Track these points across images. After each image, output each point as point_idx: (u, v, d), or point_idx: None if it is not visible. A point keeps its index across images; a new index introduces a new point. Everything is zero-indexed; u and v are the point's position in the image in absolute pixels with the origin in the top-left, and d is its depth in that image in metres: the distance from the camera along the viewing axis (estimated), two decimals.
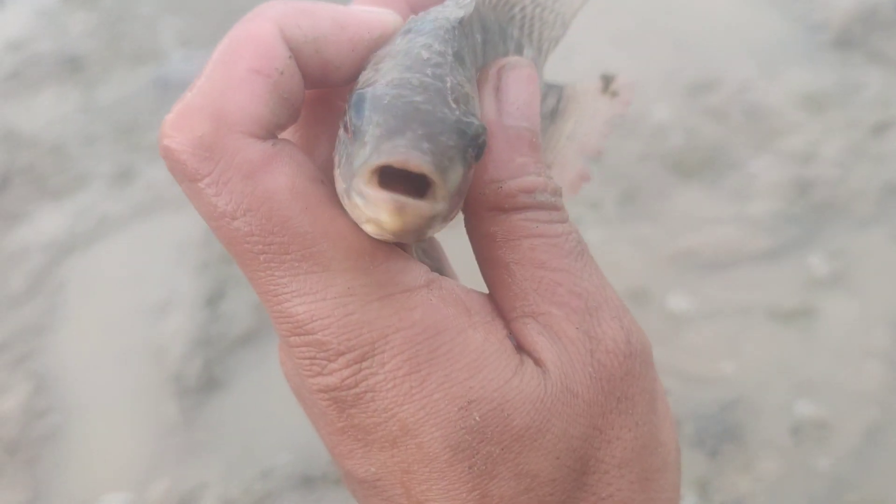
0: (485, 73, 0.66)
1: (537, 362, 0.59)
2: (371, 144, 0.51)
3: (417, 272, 0.58)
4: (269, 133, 0.57)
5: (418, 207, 0.50)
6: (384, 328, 0.55)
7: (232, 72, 0.56)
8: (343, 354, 0.55)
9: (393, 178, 0.50)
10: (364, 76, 0.58)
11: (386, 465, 0.58)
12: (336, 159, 0.57)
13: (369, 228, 0.53)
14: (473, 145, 0.54)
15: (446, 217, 0.54)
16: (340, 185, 0.55)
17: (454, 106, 0.54)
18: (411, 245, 0.64)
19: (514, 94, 0.65)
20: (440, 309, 0.57)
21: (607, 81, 0.82)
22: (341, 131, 0.57)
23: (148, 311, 2.18)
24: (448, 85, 0.56)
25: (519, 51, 0.74)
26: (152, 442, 1.97)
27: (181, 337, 2.11)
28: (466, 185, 0.57)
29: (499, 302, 0.62)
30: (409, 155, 0.49)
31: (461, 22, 0.61)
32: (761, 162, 2.40)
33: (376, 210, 0.50)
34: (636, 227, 2.24)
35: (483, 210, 0.61)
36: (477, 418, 0.55)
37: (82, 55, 2.88)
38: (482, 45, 0.67)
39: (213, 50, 0.58)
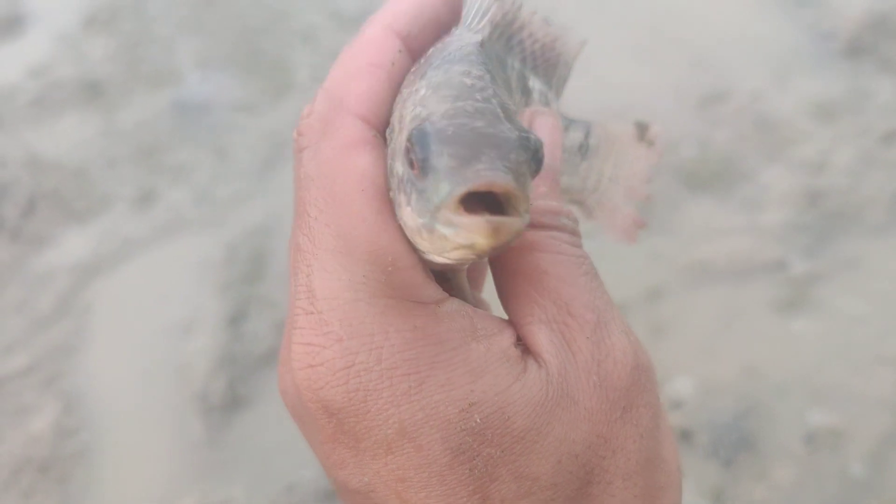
0: (522, 116, 0.72)
1: (541, 366, 0.60)
2: (450, 175, 0.54)
3: (431, 290, 0.61)
4: (382, 121, 0.64)
5: (512, 224, 0.53)
6: (386, 324, 0.58)
7: (354, 65, 0.66)
8: (340, 341, 0.58)
9: (471, 203, 0.53)
10: (409, 112, 0.61)
11: (379, 474, 0.59)
12: (402, 198, 0.59)
13: (455, 255, 0.56)
14: (535, 159, 0.57)
15: (521, 231, 0.57)
16: (415, 221, 0.57)
17: (511, 125, 0.57)
18: (462, 273, 0.69)
19: (543, 137, 0.68)
20: (444, 322, 0.59)
21: (642, 129, 0.85)
22: (402, 169, 0.59)
23: (172, 330, 2.22)
24: (497, 105, 0.59)
25: (522, 81, 0.77)
26: (179, 458, 2.01)
27: (205, 356, 2.15)
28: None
29: (515, 310, 0.64)
30: (494, 176, 0.52)
31: (482, 44, 0.65)
32: (773, 172, 2.41)
33: (470, 235, 0.53)
34: (650, 240, 2.25)
35: None
36: (478, 420, 0.56)
37: (102, 79, 2.93)
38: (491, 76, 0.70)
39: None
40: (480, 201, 0.53)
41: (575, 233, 0.66)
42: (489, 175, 0.52)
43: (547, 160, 0.67)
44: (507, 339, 0.61)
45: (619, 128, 0.85)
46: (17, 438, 2.06)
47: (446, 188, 0.53)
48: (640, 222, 0.87)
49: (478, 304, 0.74)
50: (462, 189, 0.52)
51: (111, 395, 2.14)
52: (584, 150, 0.83)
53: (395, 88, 0.66)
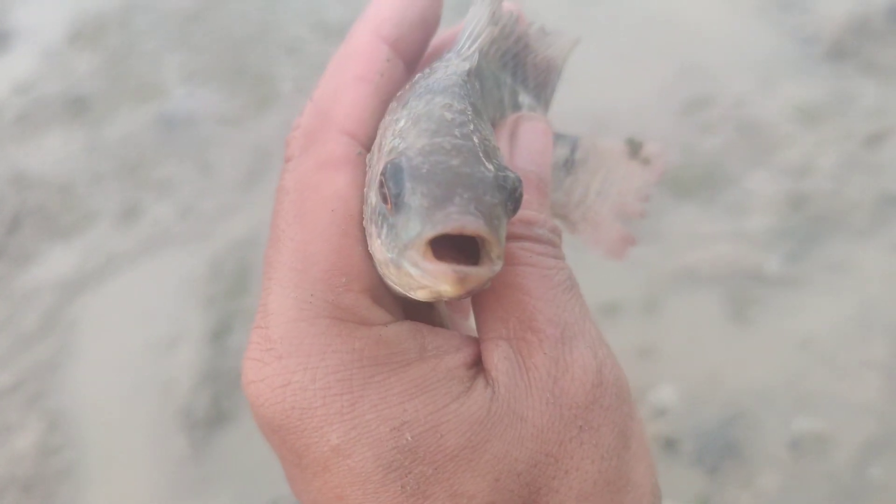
0: (502, 122, 0.71)
1: (489, 384, 0.59)
2: (420, 215, 0.53)
3: (380, 312, 0.61)
4: (369, 136, 0.64)
5: (479, 275, 0.53)
6: (324, 345, 0.58)
7: (341, 78, 0.66)
8: (280, 358, 0.58)
9: (442, 243, 0.53)
10: (388, 143, 0.61)
11: (321, 491, 0.59)
12: (373, 229, 0.59)
13: (421, 294, 0.56)
14: (512, 199, 0.56)
15: (494, 273, 0.56)
16: (384, 255, 0.57)
17: (487, 163, 0.56)
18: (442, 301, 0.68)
19: (527, 141, 0.69)
20: (386, 345, 0.59)
21: (635, 147, 0.84)
22: (376, 200, 0.59)
23: (157, 346, 2.22)
24: (477, 142, 0.58)
25: (514, 97, 0.76)
26: (163, 474, 2.01)
27: (189, 371, 2.14)
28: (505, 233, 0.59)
29: (480, 325, 0.63)
30: (464, 221, 0.52)
31: (468, 74, 0.64)
32: (757, 177, 2.42)
33: (436, 281, 0.53)
34: (634, 247, 2.24)
35: None
36: (409, 438, 0.56)
37: (88, 95, 2.93)
38: (480, 93, 0.69)
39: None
40: (452, 243, 0.53)
41: (550, 243, 0.65)
42: (459, 219, 0.52)
43: (531, 166, 0.67)
44: (458, 358, 0.60)
45: (609, 143, 0.84)
46: (1, 456, 2.06)
47: (416, 229, 0.53)
48: (630, 239, 0.85)
49: (454, 326, 0.72)
50: (430, 232, 0.52)
51: (95, 411, 2.13)
52: (569, 165, 0.82)
53: (385, 100, 0.66)
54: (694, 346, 2.06)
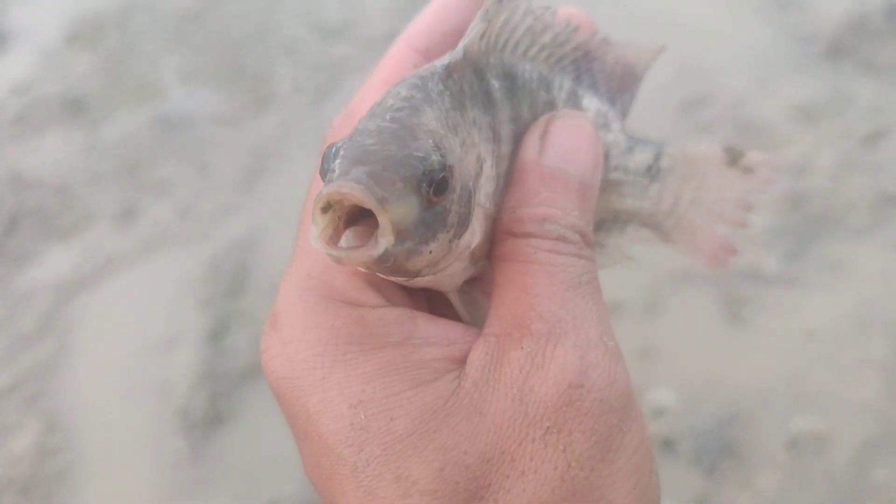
0: (536, 122, 0.71)
1: (458, 378, 0.60)
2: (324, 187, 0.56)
3: (372, 295, 0.64)
4: None
5: (352, 258, 0.55)
6: (308, 321, 0.62)
7: (371, 82, 0.71)
8: (277, 331, 0.64)
9: (362, 216, 0.56)
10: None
11: (308, 457, 0.63)
12: None
13: (357, 270, 0.61)
14: (427, 180, 0.56)
15: (417, 249, 0.57)
16: None
17: (411, 143, 0.57)
18: (453, 294, 0.70)
19: (558, 139, 0.69)
20: (366, 326, 0.62)
21: (734, 155, 0.83)
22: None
23: (154, 347, 2.21)
24: (406, 126, 0.59)
25: (575, 100, 0.77)
26: (161, 475, 2.00)
27: (187, 372, 2.14)
28: (439, 221, 0.58)
29: (487, 322, 0.64)
30: (345, 186, 0.54)
31: (447, 68, 0.64)
32: None
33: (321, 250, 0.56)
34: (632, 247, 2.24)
35: (499, 233, 0.66)
36: (363, 417, 0.58)
37: (85, 96, 2.93)
38: (503, 91, 0.69)
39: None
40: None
41: (564, 240, 0.65)
42: (341, 185, 0.54)
43: (562, 163, 0.68)
44: (442, 351, 0.62)
45: (703, 150, 0.83)
46: None
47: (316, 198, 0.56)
48: (731, 248, 0.84)
49: (475, 322, 0.72)
50: (321, 199, 0.54)
51: (93, 412, 2.13)
52: (653, 171, 0.81)
53: None
54: (692, 345, 2.06)
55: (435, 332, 0.63)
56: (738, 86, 2.67)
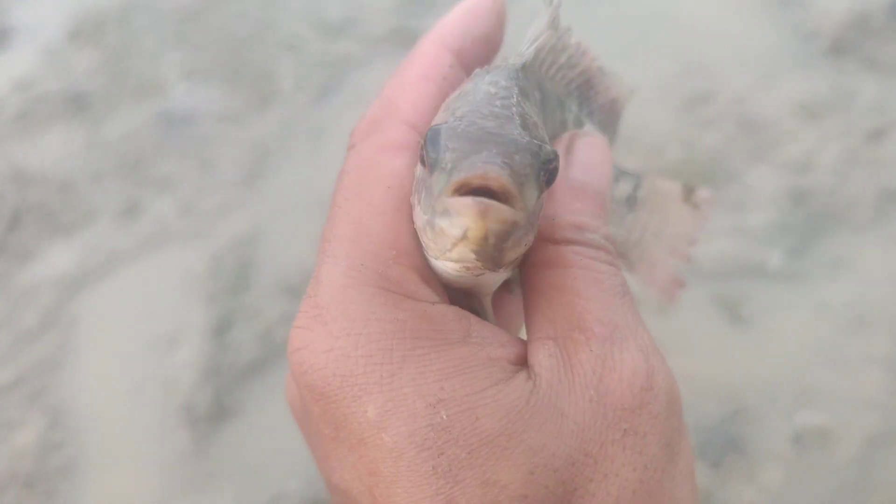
0: (560, 139, 0.72)
1: (531, 377, 0.58)
2: (450, 166, 0.54)
3: (427, 290, 0.61)
4: None
5: (500, 210, 0.52)
6: (368, 313, 0.58)
7: (407, 76, 0.70)
8: (325, 324, 0.59)
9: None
10: (437, 118, 0.64)
11: (355, 467, 0.58)
12: (415, 198, 0.61)
13: (455, 254, 0.56)
14: (546, 168, 0.56)
15: (522, 238, 0.56)
16: (421, 219, 0.58)
17: (524, 132, 0.57)
18: (487, 299, 0.69)
19: (583, 155, 0.70)
20: (430, 321, 0.59)
21: (688, 191, 0.85)
22: (418, 169, 0.61)
23: (158, 343, 2.21)
24: (515, 113, 0.59)
25: (579, 125, 0.78)
26: (165, 471, 2.00)
27: (191, 368, 2.14)
28: (539, 211, 0.59)
29: (529, 326, 0.63)
30: (487, 169, 0.52)
31: (524, 66, 0.66)
32: (758, 173, 2.41)
33: (462, 219, 0.53)
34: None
35: (537, 240, 0.65)
36: (444, 416, 0.55)
37: (88, 92, 2.92)
38: (541, 103, 0.70)
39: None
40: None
41: (602, 248, 0.65)
42: (482, 168, 0.52)
43: (586, 177, 0.68)
44: (502, 351, 0.60)
45: (667, 185, 0.85)
46: (2, 453, 2.05)
47: (445, 179, 0.54)
48: (680, 282, 0.86)
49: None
50: (455, 178, 0.53)
51: (97, 408, 2.13)
52: (631, 202, 0.83)
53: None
54: (696, 341, 2.06)
55: (488, 333, 0.61)
56: (741, 83, 2.67)
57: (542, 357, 0.59)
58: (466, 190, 0.53)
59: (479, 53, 0.72)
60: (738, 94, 2.63)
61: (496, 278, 0.67)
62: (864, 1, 2.78)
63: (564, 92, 0.76)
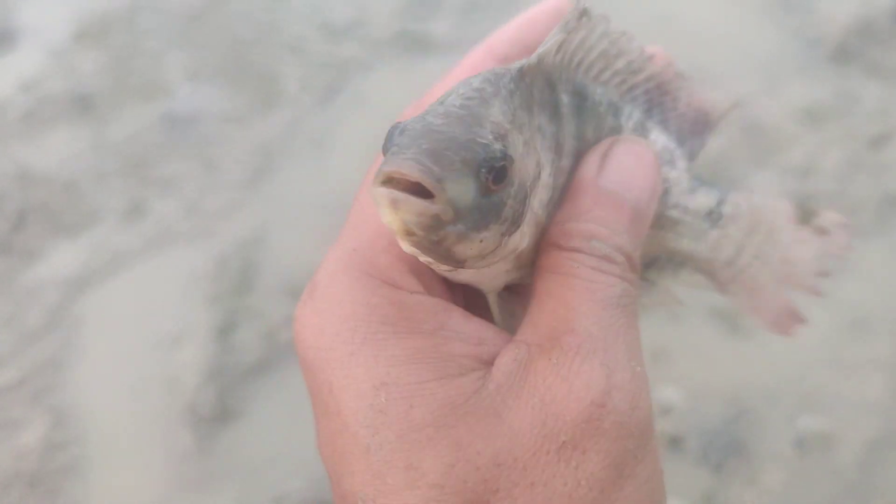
0: (601, 142, 0.71)
1: (483, 378, 0.59)
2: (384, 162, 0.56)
3: (412, 281, 0.64)
4: None
5: (411, 203, 0.54)
6: (347, 294, 0.63)
7: (447, 82, 0.71)
8: (313, 301, 0.64)
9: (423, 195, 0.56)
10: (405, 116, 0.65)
11: (324, 434, 0.62)
12: None
13: (407, 252, 0.60)
14: (487, 166, 0.56)
15: (470, 234, 0.57)
16: None
17: (476, 131, 0.58)
18: (492, 296, 0.70)
19: (618, 162, 0.69)
20: (402, 309, 0.62)
21: (807, 213, 0.79)
22: None
23: (162, 343, 2.22)
24: (473, 113, 0.59)
25: (642, 131, 0.75)
26: (169, 471, 2.01)
27: (195, 368, 2.15)
28: (493, 211, 0.58)
29: (521, 328, 0.64)
30: (401, 163, 0.54)
31: (521, 70, 0.64)
32: (761, 178, 2.42)
33: (382, 209, 0.55)
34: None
35: (545, 244, 0.66)
36: (383, 399, 0.58)
37: (93, 93, 2.93)
38: (571, 108, 0.69)
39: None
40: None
41: (609, 259, 0.64)
42: (400, 161, 0.54)
43: (615, 185, 0.67)
44: (473, 349, 0.61)
45: (771, 203, 0.80)
46: (6, 453, 2.06)
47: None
48: (798, 316, 0.79)
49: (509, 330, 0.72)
50: (381, 173, 0.55)
51: (100, 408, 2.13)
52: (714, 216, 0.77)
53: None
54: (698, 343, 2.06)
55: (467, 329, 0.63)
56: (744, 88, 2.67)
57: (506, 360, 0.60)
58: (397, 184, 0.55)
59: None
60: (741, 99, 2.63)
61: (495, 277, 0.68)
62: (868, 7, 2.79)
63: (624, 98, 0.74)
